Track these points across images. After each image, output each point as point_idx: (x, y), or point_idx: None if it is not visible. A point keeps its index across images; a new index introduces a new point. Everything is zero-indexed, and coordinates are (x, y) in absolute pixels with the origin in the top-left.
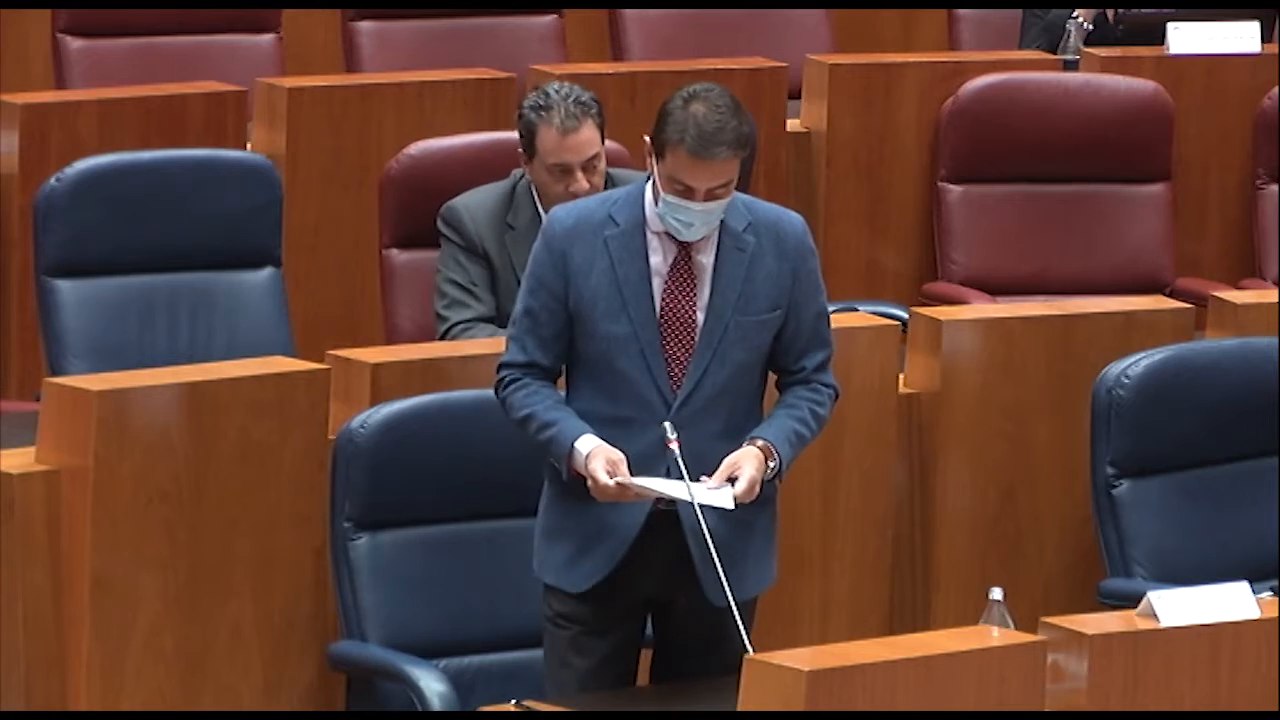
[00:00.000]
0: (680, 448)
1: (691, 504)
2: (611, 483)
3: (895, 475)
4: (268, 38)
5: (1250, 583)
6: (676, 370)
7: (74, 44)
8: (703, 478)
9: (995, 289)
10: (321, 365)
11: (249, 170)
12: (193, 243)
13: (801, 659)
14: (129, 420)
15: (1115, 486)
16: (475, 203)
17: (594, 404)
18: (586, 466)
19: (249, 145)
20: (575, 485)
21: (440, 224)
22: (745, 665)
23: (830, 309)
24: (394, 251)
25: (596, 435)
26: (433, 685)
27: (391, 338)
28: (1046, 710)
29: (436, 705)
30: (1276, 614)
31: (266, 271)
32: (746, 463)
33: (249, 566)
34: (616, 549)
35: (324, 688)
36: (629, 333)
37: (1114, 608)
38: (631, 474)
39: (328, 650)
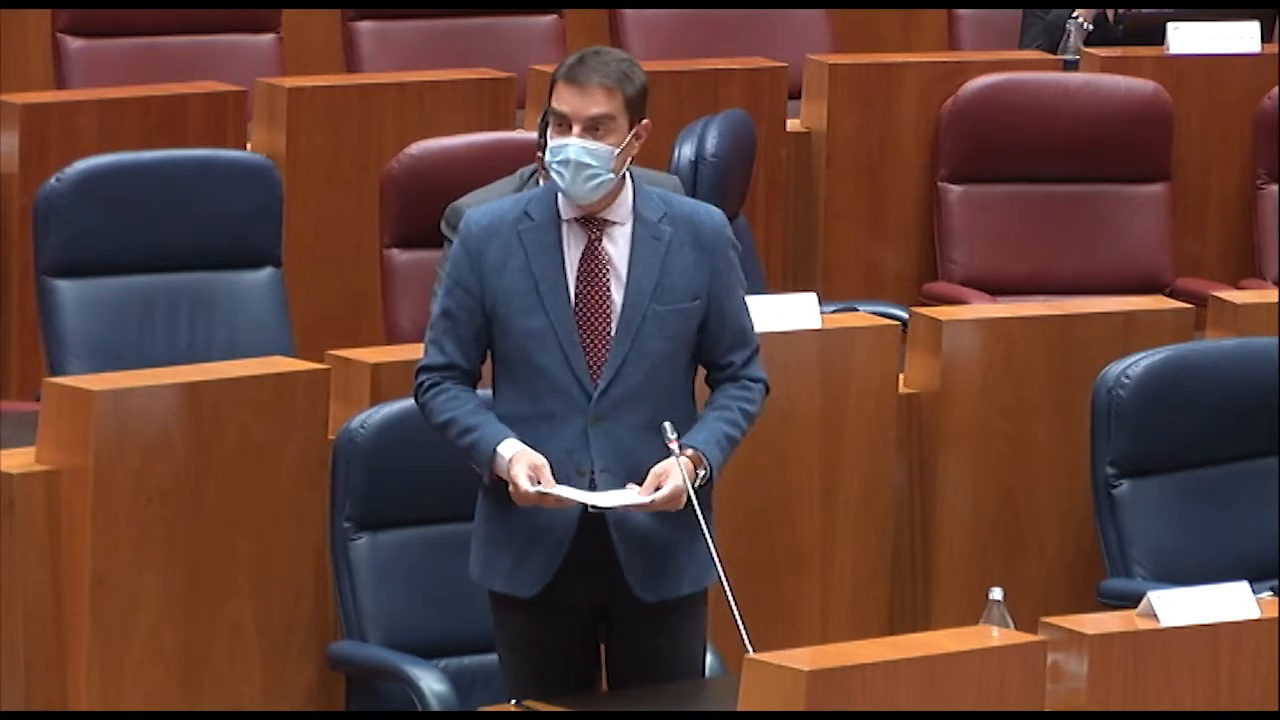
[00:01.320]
0: (679, 447)
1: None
2: (533, 490)
3: (895, 475)
4: (268, 38)
5: (1250, 583)
6: (595, 362)
7: (74, 44)
8: (631, 486)
9: (995, 289)
10: (321, 365)
11: (249, 170)
12: (193, 243)
13: (801, 659)
14: (129, 420)
15: (1115, 486)
16: (479, 202)
17: (515, 404)
18: (509, 471)
19: (249, 145)
20: (499, 490)
21: (443, 225)
22: (745, 665)
23: (830, 309)
24: (394, 251)
25: (519, 438)
26: (433, 685)
27: (391, 338)
28: (1046, 710)
29: (436, 705)
30: (1276, 614)
31: (266, 271)
32: (673, 472)
33: (249, 566)
34: (555, 550)
35: (324, 688)
36: (545, 326)
37: (1114, 608)
38: (555, 476)
39: (328, 650)
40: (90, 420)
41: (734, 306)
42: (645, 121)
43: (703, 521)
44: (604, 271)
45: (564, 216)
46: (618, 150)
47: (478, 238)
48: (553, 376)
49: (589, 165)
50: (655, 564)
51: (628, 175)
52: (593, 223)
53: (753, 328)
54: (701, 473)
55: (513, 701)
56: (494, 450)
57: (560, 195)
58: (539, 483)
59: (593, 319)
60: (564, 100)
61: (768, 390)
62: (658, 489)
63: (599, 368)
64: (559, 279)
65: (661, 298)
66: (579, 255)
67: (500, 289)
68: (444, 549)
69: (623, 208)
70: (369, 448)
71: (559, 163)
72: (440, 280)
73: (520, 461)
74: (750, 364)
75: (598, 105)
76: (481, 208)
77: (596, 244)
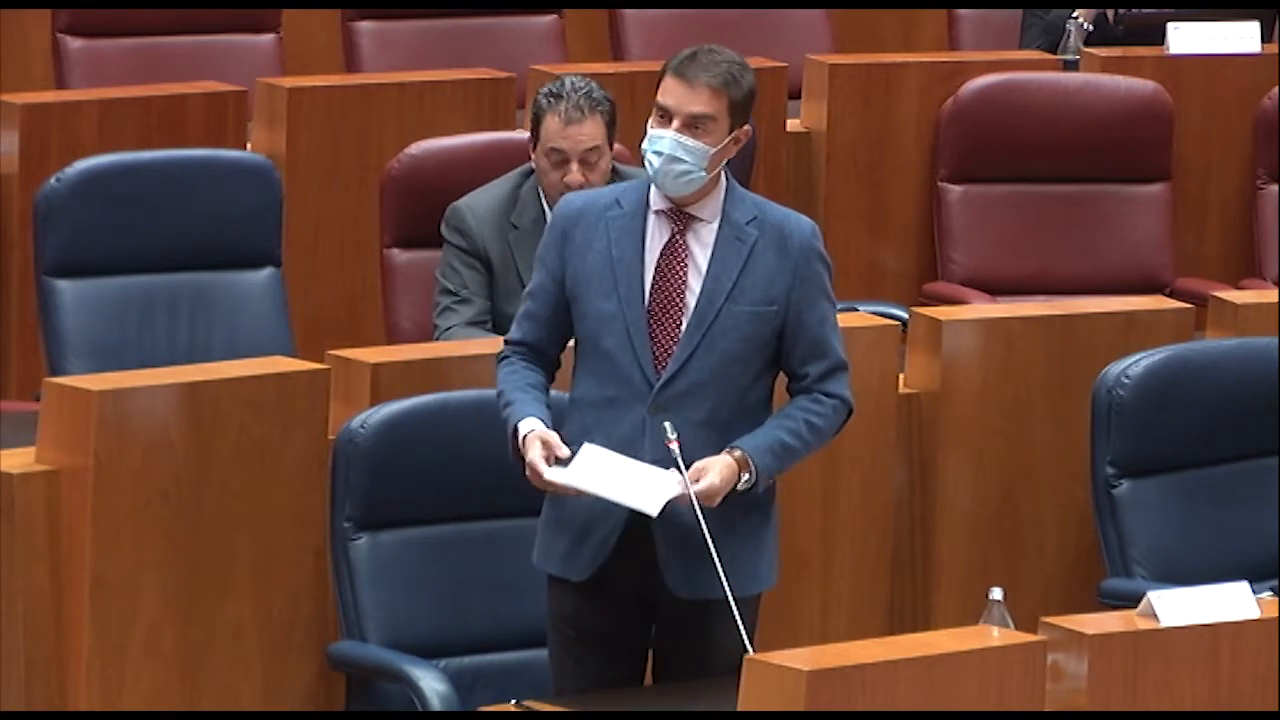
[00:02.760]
0: (680, 448)
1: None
2: (546, 474)
3: (895, 475)
4: (268, 38)
5: (1250, 583)
6: (662, 353)
7: (74, 44)
8: (671, 470)
9: (995, 289)
10: (321, 365)
11: (249, 170)
12: (193, 243)
13: (801, 659)
14: (129, 420)
15: (1115, 486)
16: (479, 202)
17: (587, 388)
18: (526, 451)
19: (249, 145)
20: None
21: (443, 227)
22: (745, 665)
23: None
24: (394, 251)
25: (586, 422)
26: (433, 685)
27: (391, 338)
28: (1046, 710)
29: (436, 705)
30: (1276, 614)
31: (266, 271)
32: (712, 469)
33: (249, 566)
34: (604, 541)
35: (324, 688)
36: (616, 311)
37: (1114, 608)
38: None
39: (328, 650)
40: (90, 420)
41: (813, 318)
42: (747, 127)
43: (704, 525)
44: (683, 264)
45: (653, 207)
46: (713, 150)
47: (567, 218)
48: (617, 361)
49: (681, 160)
50: (693, 561)
51: (723, 176)
52: (679, 216)
53: (839, 344)
54: (745, 476)
55: (513, 701)
56: (516, 426)
57: (652, 187)
58: (556, 460)
59: (665, 310)
60: (669, 93)
61: (850, 411)
62: (696, 482)
63: (665, 359)
64: (636, 266)
65: (738, 298)
66: (661, 246)
67: (581, 271)
68: (444, 549)
69: (712, 206)
70: (369, 448)
71: (653, 152)
72: (439, 284)
73: (534, 442)
74: (828, 379)
75: (700, 104)
76: (579, 193)
77: (679, 237)
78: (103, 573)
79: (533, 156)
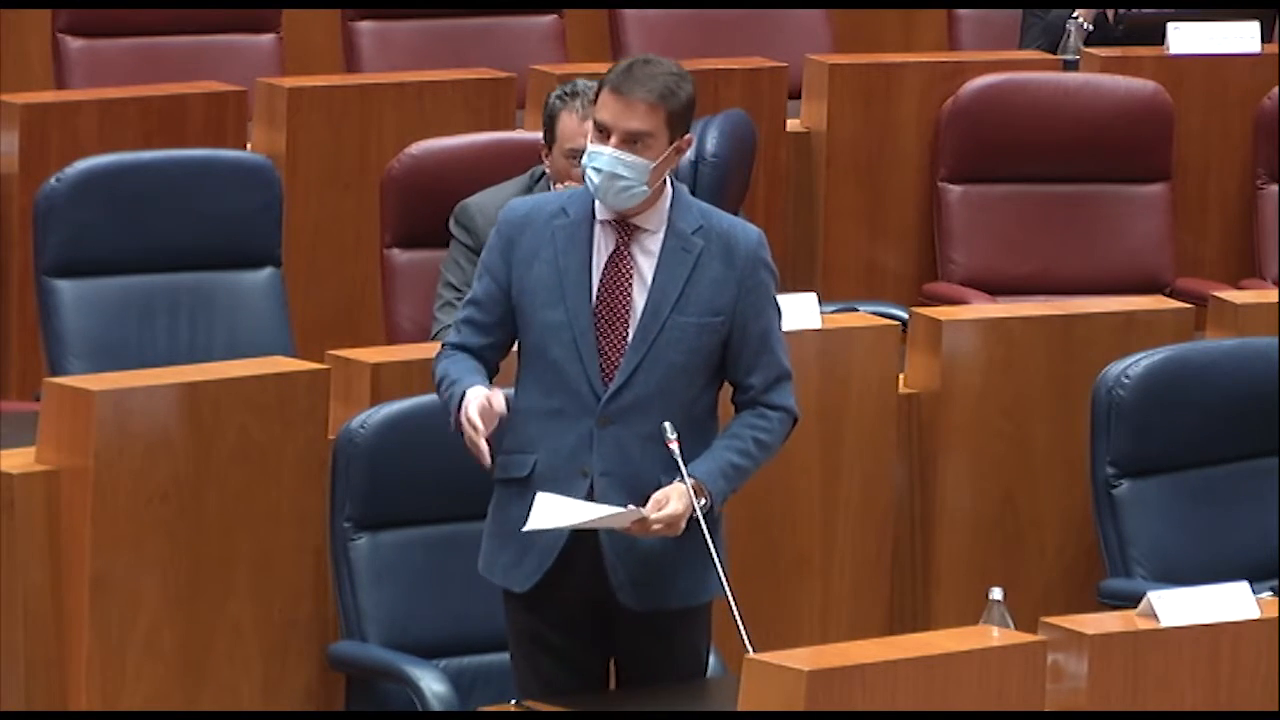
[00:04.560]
0: (681, 448)
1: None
2: (474, 430)
3: (895, 475)
4: (268, 38)
5: (1250, 583)
6: (609, 365)
7: (74, 44)
8: (631, 507)
9: (995, 289)
10: (321, 365)
11: (249, 170)
12: (193, 243)
13: (801, 659)
14: (129, 420)
15: (1115, 486)
16: (488, 203)
17: (532, 398)
18: (465, 410)
19: (249, 145)
20: (506, 486)
21: (451, 223)
22: (745, 665)
23: (830, 309)
24: (395, 251)
25: (531, 433)
26: (433, 685)
27: (391, 338)
28: (1046, 710)
29: (436, 705)
30: (1276, 614)
31: (266, 271)
32: (673, 500)
33: (249, 566)
34: (549, 549)
35: (324, 688)
36: (563, 321)
37: (1114, 608)
38: (557, 477)
39: (328, 650)
40: (90, 420)
41: (759, 328)
42: (688, 135)
43: (709, 540)
44: (628, 275)
45: (599, 217)
46: (654, 165)
47: (513, 225)
48: (564, 372)
49: (622, 177)
50: (642, 573)
51: (669, 185)
52: (625, 227)
53: (784, 354)
54: (703, 501)
55: (513, 702)
56: (464, 394)
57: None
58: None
59: (611, 321)
60: (605, 109)
61: (796, 421)
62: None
63: (612, 371)
64: (583, 276)
65: (684, 309)
66: (606, 256)
67: (527, 280)
68: (444, 549)
69: (658, 216)
70: (369, 448)
71: (593, 169)
72: (442, 278)
73: (471, 400)
74: (773, 390)
75: (637, 120)
76: (524, 199)
77: (624, 248)
78: (103, 573)
79: (546, 160)
